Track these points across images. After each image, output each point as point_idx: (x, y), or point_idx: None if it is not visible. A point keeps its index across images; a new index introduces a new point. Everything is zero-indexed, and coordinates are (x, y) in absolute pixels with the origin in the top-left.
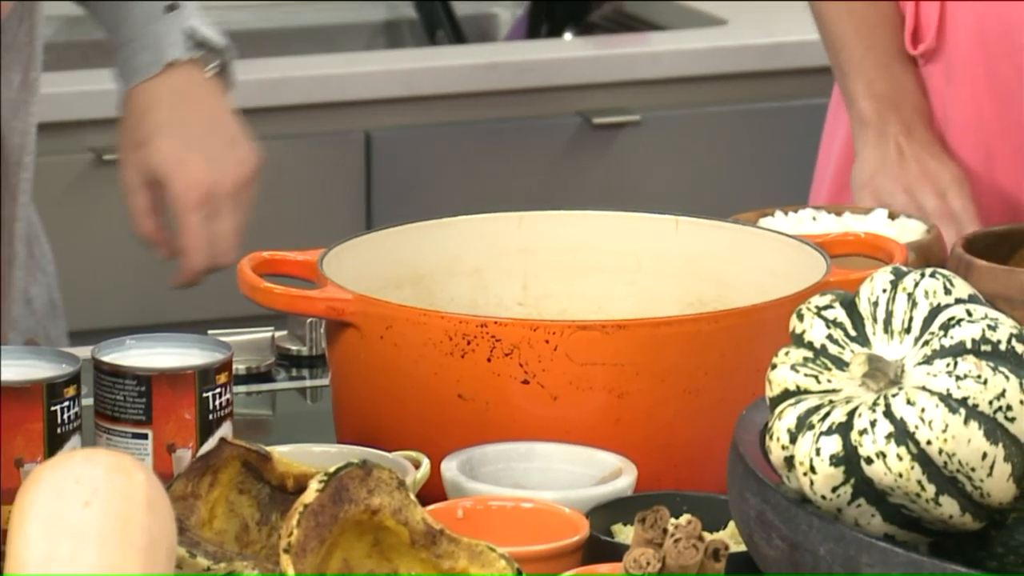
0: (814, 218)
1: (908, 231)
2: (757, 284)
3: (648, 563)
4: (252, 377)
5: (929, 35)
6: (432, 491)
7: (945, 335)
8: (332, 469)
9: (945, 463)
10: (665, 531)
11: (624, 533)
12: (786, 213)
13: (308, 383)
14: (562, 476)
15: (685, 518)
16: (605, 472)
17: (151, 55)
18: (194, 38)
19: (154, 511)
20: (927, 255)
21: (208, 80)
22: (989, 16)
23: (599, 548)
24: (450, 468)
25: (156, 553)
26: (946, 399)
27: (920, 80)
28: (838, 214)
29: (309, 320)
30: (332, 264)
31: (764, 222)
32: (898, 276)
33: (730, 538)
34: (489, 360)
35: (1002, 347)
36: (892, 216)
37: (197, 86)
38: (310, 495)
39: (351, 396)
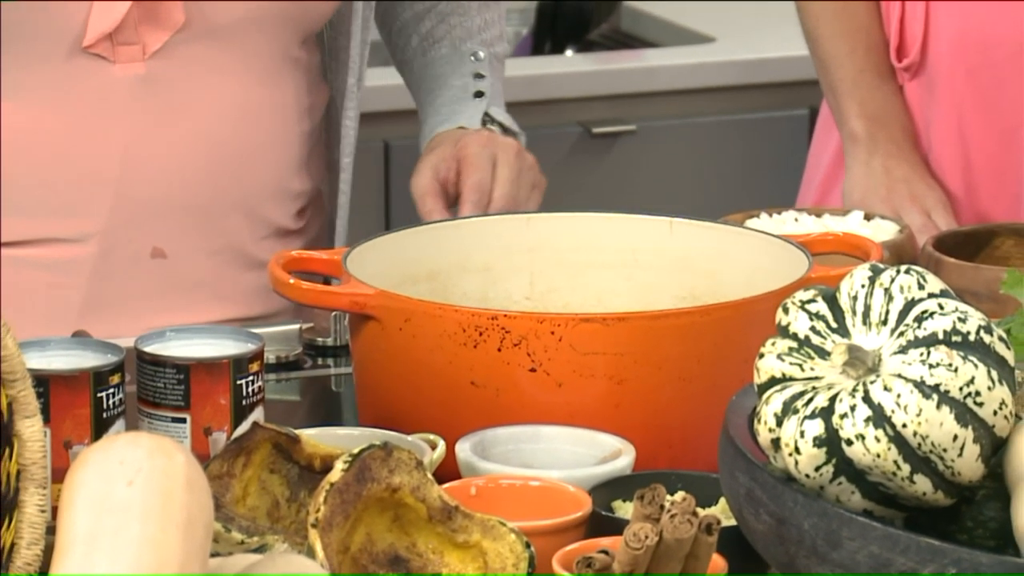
0: (796, 219)
1: (883, 231)
2: (745, 280)
3: (647, 537)
4: (282, 366)
5: (913, 50)
6: (447, 470)
7: (919, 327)
8: (356, 450)
9: (919, 444)
10: (662, 507)
11: (624, 509)
12: (771, 215)
13: (333, 371)
14: (566, 456)
15: (680, 495)
16: (606, 453)
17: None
18: (492, 120)
19: (193, 489)
20: (900, 253)
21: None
22: (970, 31)
23: (601, 523)
24: (464, 449)
25: (194, 528)
26: (920, 385)
27: (906, 102)
28: (818, 216)
29: (334, 313)
30: (355, 262)
31: (751, 223)
32: (875, 272)
33: (721, 513)
34: (499, 350)
35: (971, 338)
36: (868, 217)
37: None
38: (336, 474)
39: (372, 383)
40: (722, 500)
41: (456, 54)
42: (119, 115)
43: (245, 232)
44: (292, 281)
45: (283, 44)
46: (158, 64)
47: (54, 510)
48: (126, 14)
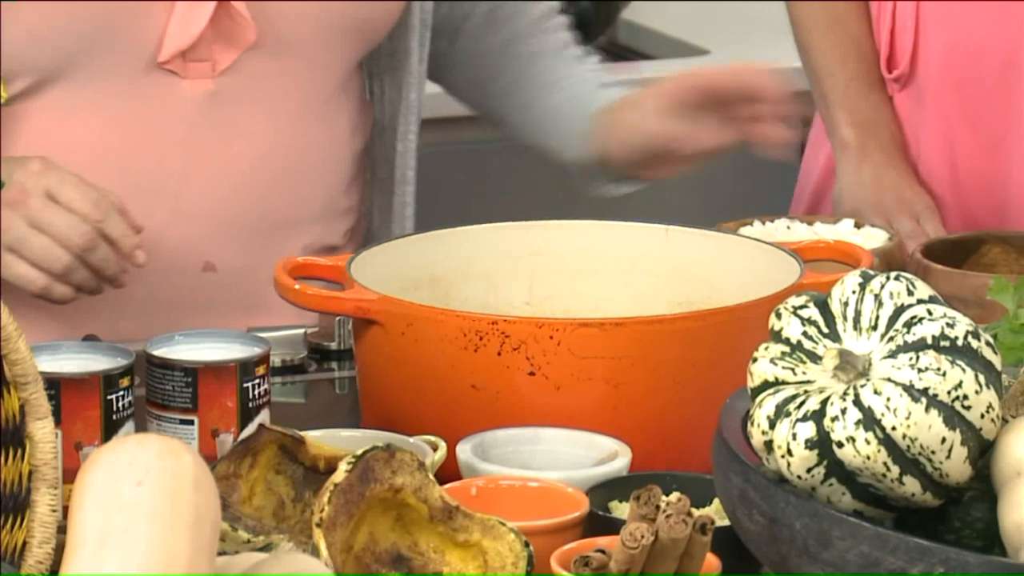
0: (788, 227)
1: (872, 239)
2: (739, 286)
3: (643, 536)
4: (287, 369)
5: (903, 61)
6: (448, 472)
7: (908, 332)
8: (359, 452)
9: (908, 447)
10: (658, 507)
11: (620, 509)
12: (763, 222)
13: (337, 375)
14: (564, 458)
15: (675, 496)
16: (603, 454)
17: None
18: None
19: (200, 490)
20: (889, 260)
21: None
22: (959, 43)
23: (598, 523)
24: (464, 451)
25: (202, 527)
26: (909, 389)
27: (896, 112)
28: (809, 223)
29: (338, 318)
30: (358, 268)
31: (744, 230)
32: (866, 279)
33: (715, 513)
34: (499, 354)
35: (959, 343)
36: (858, 225)
37: None
38: (340, 475)
39: (376, 386)
40: (716, 500)
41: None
42: (183, 130)
43: (295, 249)
44: (297, 287)
45: (344, 60)
46: (225, 80)
47: (65, 509)
48: (202, 31)
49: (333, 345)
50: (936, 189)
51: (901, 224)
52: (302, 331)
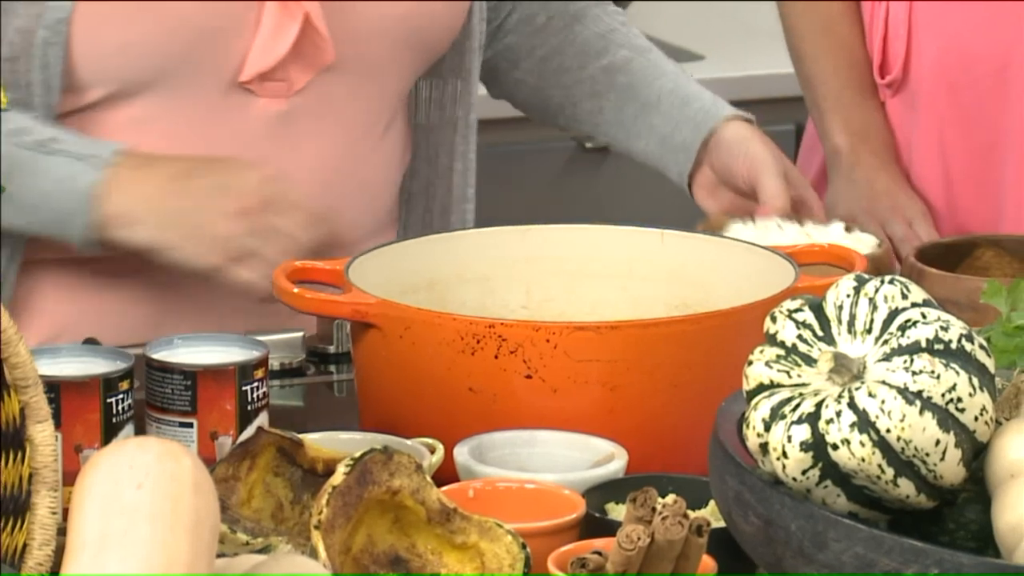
0: (779, 226)
1: (862, 243)
2: (734, 289)
3: (639, 538)
4: (285, 372)
5: (896, 67)
6: (446, 474)
7: (902, 335)
8: (357, 454)
9: (902, 449)
10: (654, 509)
11: (617, 511)
12: (755, 220)
13: (335, 377)
14: (561, 460)
15: (671, 498)
16: (599, 457)
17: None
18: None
19: (200, 492)
20: (878, 266)
21: None
22: (952, 49)
23: (594, 525)
24: (462, 453)
25: (202, 530)
26: (903, 392)
27: (888, 117)
28: (801, 224)
29: (336, 322)
30: (356, 272)
31: (734, 227)
32: (860, 283)
33: (711, 515)
34: (496, 357)
35: (953, 346)
36: (848, 230)
37: None
38: (338, 477)
39: (374, 389)
40: (712, 502)
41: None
42: (251, 147)
43: None
44: (296, 290)
45: (408, 75)
46: (297, 100)
47: (65, 512)
48: (285, 53)
49: (331, 348)
50: (929, 194)
51: (894, 229)
52: (300, 334)
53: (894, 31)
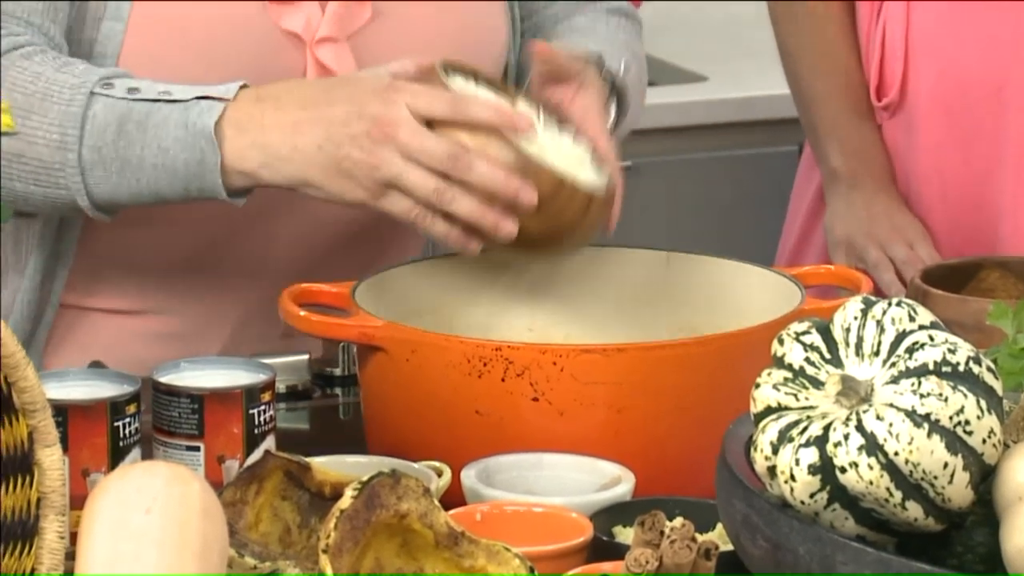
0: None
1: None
2: (740, 312)
3: (647, 562)
4: (291, 395)
5: (893, 90)
6: (453, 497)
7: (910, 358)
8: (365, 478)
9: (911, 472)
10: (662, 533)
11: (624, 534)
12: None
13: (340, 400)
14: (568, 483)
15: (679, 521)
16: (606, 479)
17: None
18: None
19: (208, 517)
20: (601, 206)
21: None
22: (949, 72)
23: (602, 548)
24: (469, 476)
25: (210, 554)
26: (911, 415)
27: (884, 140)
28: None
29: (342, 344)
30: (363, 295)
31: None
32: (868, 305)
33: (718, 539)
34: (503, 380)
35: (961, 368)
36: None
37: None
38: (346, 501)
39: (380, 412)
40: (719, 526)
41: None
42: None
43: None
44: (303, 313)
45: None
46: None
47: (72, 536)
48: None
49: (337, 371)
50: (927, 217)
51: (896, 251)
52: (306, 357)
53: (891, 54)
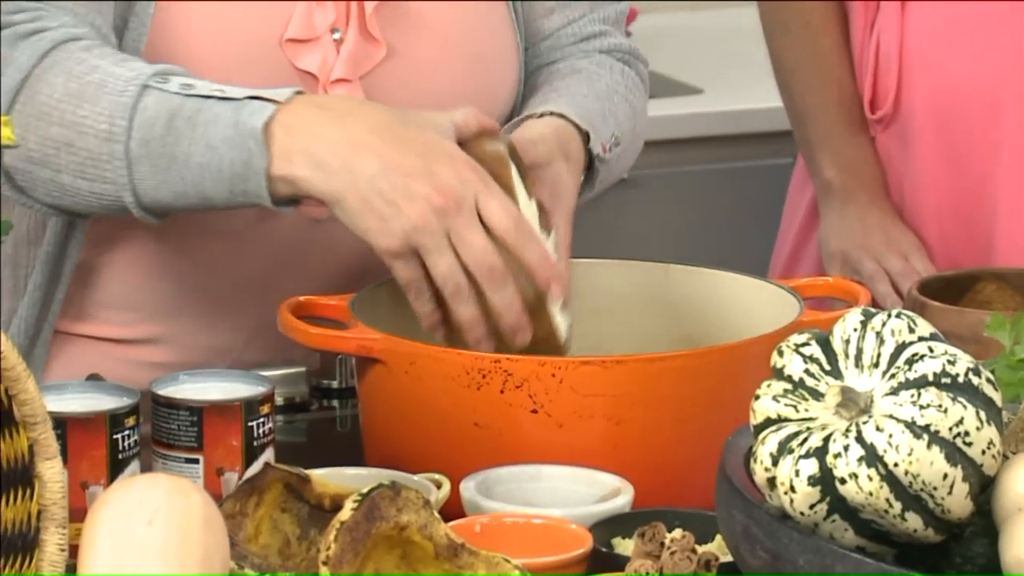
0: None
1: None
2: (738, 324)
3: (647, 573)
4: (289, 407)
5: (887, 102)
6: (451, 509)
7: (909, 369)
8: (365, 490)
9: (910, 483)
10: (662, 544)
11: (623, 546)
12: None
13: (338, 413)
14: (567, 495)
15: (678, 532)
16: (605, 491)
17: None
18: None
19: (210, 528)
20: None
21: None
22: (943, 85)
23: (601, 559)
24: (468, 488)
25: (211, 566)
26: (911, 426)
27: (878, 152)
28: None
29: (339, 356)
30: (360, 307)
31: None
32: (867, 317)
33: (717, 550)
34: (502, 392)
35: (960, 380)
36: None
37: None
38: (346, 513)
39: (379, 424)
40: (718, 537)
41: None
42: (298, 250)
43: None
44: (302, 326)
45: None
46: None
47: (72, 548)
48: None
49: (335, 383)
50: (921, 229)
51: (891, 263)
52: (303, 369)
53: (885, 67)
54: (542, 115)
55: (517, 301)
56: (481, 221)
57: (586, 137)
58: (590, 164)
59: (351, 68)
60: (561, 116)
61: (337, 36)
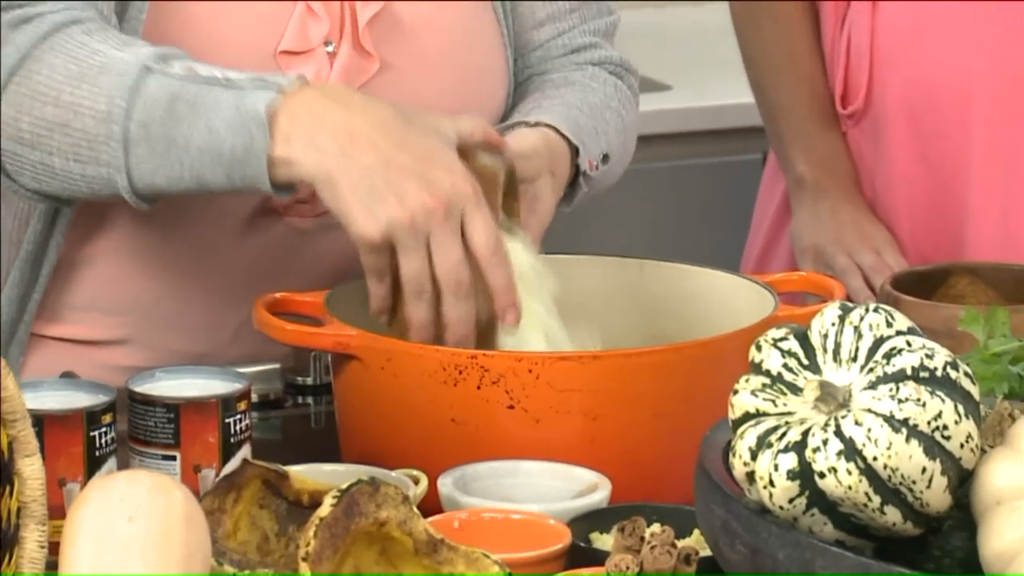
0: None
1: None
2: (714, 319)
3: (628, 567)
4: (263, 404)
5: (858, 97)
6: (428, 505)
7: (888, 363)
8: (344, 486)
9: (889, 477)
10: (642, 539)
11: (601, 540)
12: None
13: (312, 409)
14: (544, 490)
15: (658, 527)
16: (582, 487)
17: None
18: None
19: (191, 526)
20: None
21: None
22: (916, 80)
23: (580, 554)
24: (445, 484)
25: (193, 563)
26: (890, 420)
27: (849, 147)
28: None
29: (313, 353)
30: (336, 304)
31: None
32: (845, 311)
33: (695, 544)
34: (479, 388)
35: (938, 373)
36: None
37: None
38: (325, 509)
39: (355, 421)
40: (696, 532)
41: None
42: (279, 260)
43: None
44: (278, 323)
45: None
46: (319, 220)
47: (51, 545)
48: None
49: (309, 380)
50: (893, 224)
51: (863, 258)
52: (277, 366)
53: (856, 62)
54: (536, 124)
55: (472, 318)
56: (463, 234)
57: (575, 152)
58: (574, 179)
59: (344, 81)
60: (554, 129)
61: (330, 49)
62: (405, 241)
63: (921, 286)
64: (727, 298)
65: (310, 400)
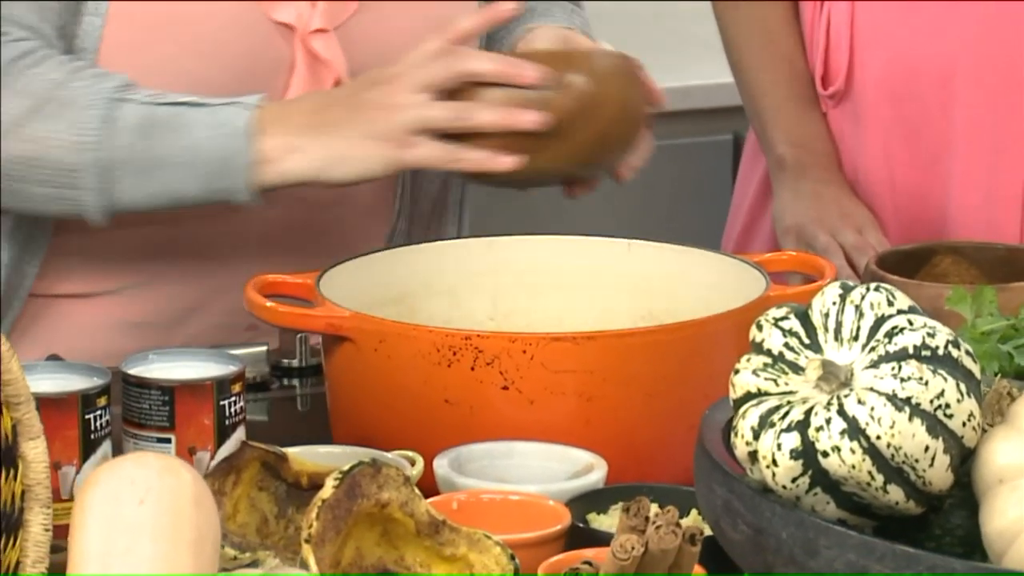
0: None
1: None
2: (702, 299)
3: (633, 547)
4: (251, 387)
5: (839, 78)
6: (423, 486)
7: (889, 342)
8: (346, 467)
9: (892, 455)
10: (647, 519)
11: (598, 521)
12: None
13: (299, 392)
14: (539, 471)
15: (655, 507)
16: (577, 467)
17: None
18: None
19: (201, 507)
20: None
21: None
22: (897, 61)
23: (578, 534)
24: (442, 465)
25: (203, 545)
26: (892, 399)
27: (830, 127)
28: None
29: (299, 335)
30: (327, 285)
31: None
32: (846, 290)
33: (694, 524)
34: (473, 369)
35: (940, 352)
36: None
37: None
38: (327, 491)
39: (347, 403)
40: (694, 512)
41: None
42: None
43: None
44: (269, 304)
45: None
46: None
47: (55, 528)
48: None
49: (295, 362)
50: (875, 205)
51: (845, 237)
52: (264, 348)
53: (836, 42)
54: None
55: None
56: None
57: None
58: None
59: (328, 19)
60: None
61: None
62: (413, 112)
63: (905, 265)
64: (716, 278)
65: (296, 383)
